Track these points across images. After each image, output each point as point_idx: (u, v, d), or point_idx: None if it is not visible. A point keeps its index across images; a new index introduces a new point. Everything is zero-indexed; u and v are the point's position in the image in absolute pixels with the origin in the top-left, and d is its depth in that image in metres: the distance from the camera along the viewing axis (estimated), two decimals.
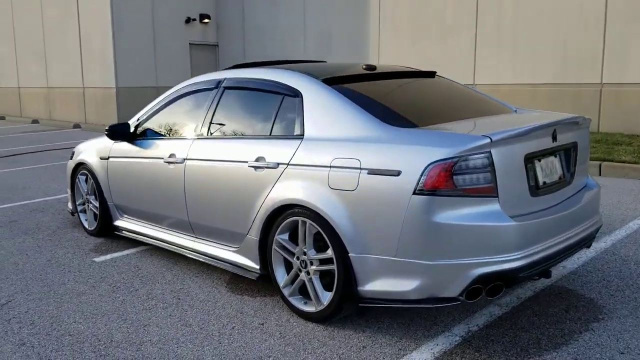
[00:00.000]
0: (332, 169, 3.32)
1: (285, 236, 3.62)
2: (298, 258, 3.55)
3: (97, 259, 4.82)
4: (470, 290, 3.02)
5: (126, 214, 5.11)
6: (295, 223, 3.53)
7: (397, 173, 3.04)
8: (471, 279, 2.97)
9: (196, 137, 4.29)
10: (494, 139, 2.99)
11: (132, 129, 4.93)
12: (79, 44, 16.95)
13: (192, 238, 4.40)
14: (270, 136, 3.77)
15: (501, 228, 2.97)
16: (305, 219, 3.43)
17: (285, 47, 16.14)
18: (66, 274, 4.47)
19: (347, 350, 3.17)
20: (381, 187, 3.09)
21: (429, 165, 2.96)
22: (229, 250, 4.06)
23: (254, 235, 3.79)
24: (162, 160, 4.48)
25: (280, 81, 3.88)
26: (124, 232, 5.13)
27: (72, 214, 5.82)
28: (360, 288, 3.24)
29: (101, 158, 5.20)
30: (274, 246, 3.66)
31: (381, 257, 3.12)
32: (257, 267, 3.82)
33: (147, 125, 4.86)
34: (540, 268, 3.15)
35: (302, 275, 3.53)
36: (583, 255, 4.52)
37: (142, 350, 3.24)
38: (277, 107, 3.81)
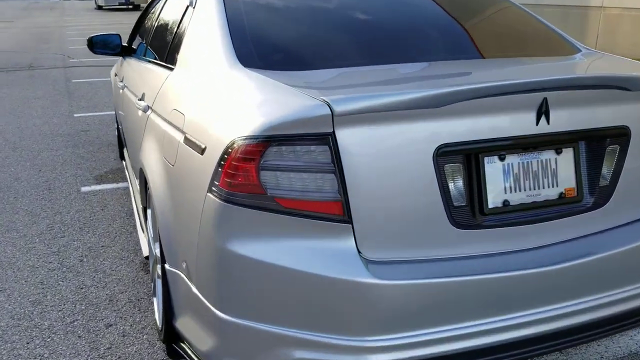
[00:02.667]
0: (168, 125, 2.09)
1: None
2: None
3: (84, 189, 4.26)
4: None
5: None
6: None
7: (202, 150, 1.72)
8: None
9: (135, 58, 3.30)
10: (337, 109, 1.46)
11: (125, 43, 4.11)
12: None
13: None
14: (163, 64, 2.60)
15: (349, 286, 1.50)
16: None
17: None
18: (38, 201, 4.00)
19: None
20: (189, 168, 1.80)
21: (230, 145, 1.57)
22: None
23: (141, 199, 2.77)
24: (119, 82, 3.63)
25: None
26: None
27: None
28: (174, 321, 2.04)
29: (115, 74, 4.53)
30: (148, 221, 2.60)
31: (185, 280, 1.88)
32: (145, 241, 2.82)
33: (131, 40, 3.99)
34: None
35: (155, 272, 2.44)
36: None
37: None
38: (179, 22, 2.60)
